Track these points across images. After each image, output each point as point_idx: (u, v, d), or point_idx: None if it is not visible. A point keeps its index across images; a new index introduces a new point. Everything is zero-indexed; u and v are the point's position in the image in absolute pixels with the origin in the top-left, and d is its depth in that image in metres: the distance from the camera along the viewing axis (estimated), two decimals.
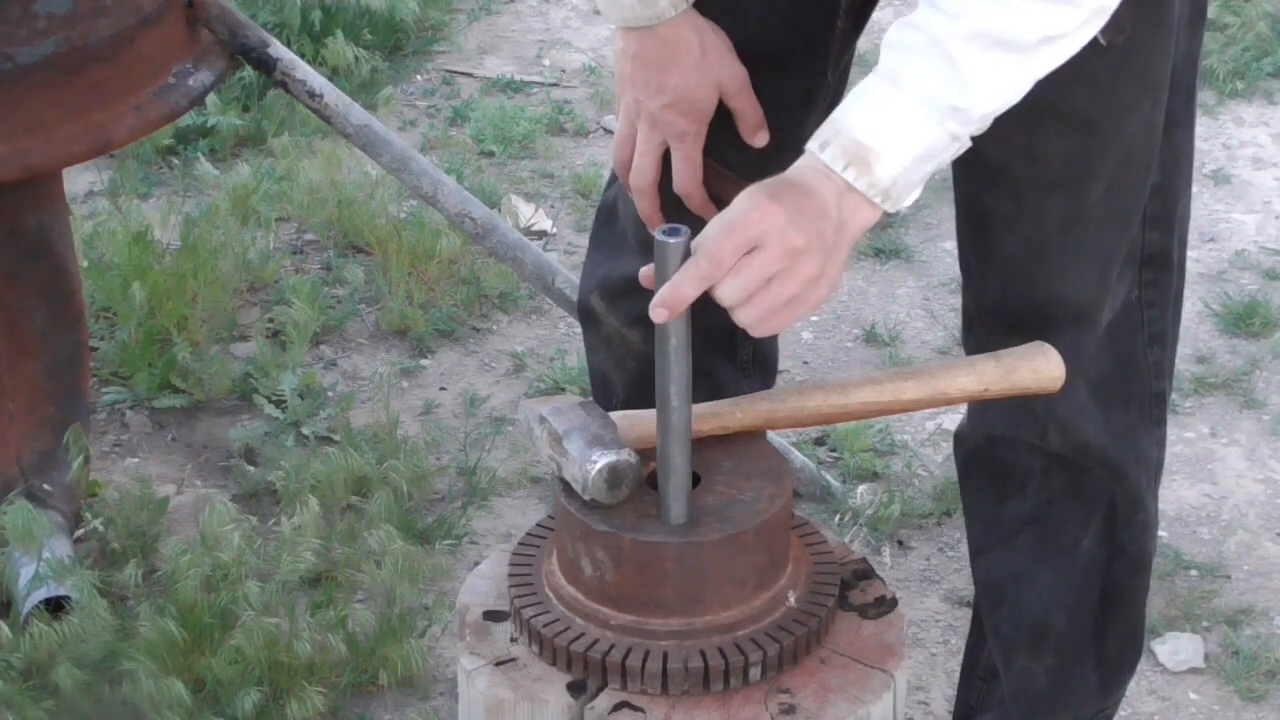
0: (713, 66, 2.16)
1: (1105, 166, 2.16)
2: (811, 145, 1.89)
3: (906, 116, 1.87)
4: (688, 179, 2.21)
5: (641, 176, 2.22)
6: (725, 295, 1.85)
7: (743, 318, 1.87)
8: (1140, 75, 2.13)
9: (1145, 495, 2.41)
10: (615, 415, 1.99)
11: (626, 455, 1.91)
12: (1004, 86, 1.89)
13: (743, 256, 1.84)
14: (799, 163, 1.91)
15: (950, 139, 1.89)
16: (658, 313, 1.84)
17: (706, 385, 2.29)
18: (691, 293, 1.84)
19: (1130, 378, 2.34)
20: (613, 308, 2.40)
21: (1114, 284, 2.25)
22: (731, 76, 2.17)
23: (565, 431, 1.93)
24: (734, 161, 2.26)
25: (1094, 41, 2.03)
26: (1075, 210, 2.18)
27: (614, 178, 2.42)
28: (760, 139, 2.20)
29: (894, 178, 1.87)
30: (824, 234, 1.86)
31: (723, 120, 2.22)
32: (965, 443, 2.44)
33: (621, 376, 2.45)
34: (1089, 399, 2.30)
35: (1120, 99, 2.13)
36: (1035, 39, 1.87)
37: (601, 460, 1.90)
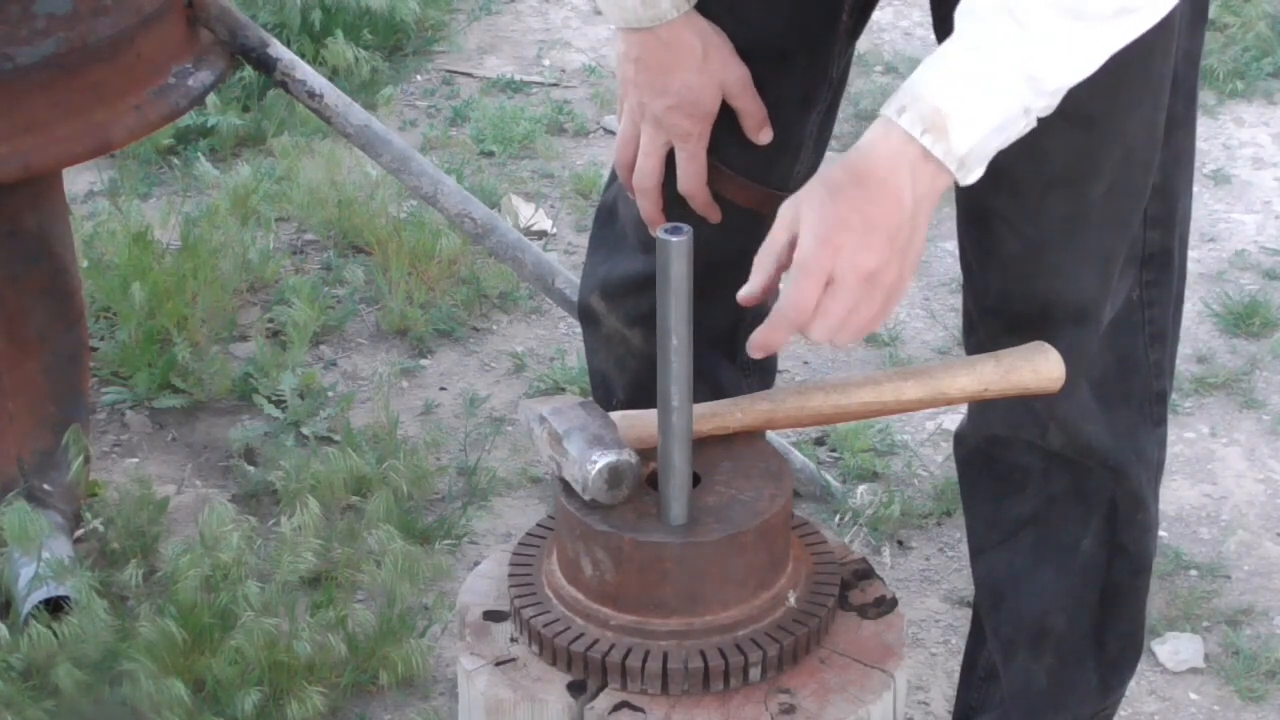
0: (715, 67, 2.16)
1: (1107, 165, 2.16)
2: (887, 111, 1.88)
3: (984, 83, 1.86)
4: (693, 180, 2.21)
5: (645, 178, 2.22)
6: (817, 337, 1.89)
7: (836, 344, 1.91)
8: (1142, 74, 2.13)
9: (1146, 495, 2.41)
10: (615, 415, 1.99)
11: (626, 455, 1.91)
12: (1079, 58, 1.89)
13: (823, 295, 1.86)
14: (871, 135, 1.88)
15: (1023, 111, 1.89)
16: (755, 353, 1.92)
17: (707, 386, 2.30)
18: (783, 340, 1.90)
19: (1131, 377, 2.34)
20: (613, 308, 2.40)
21: (1115, 283, 2.25)
22: (734, 77, 2.17)
23: (565, 431, 1.93)
24: (736, 160, 2.26)
25: None
26: (1076, 209, 2.18)
27: (613, 178, 2.42)
28: (764, 136, 2.21)
29: (971, 146, 1.88)
30: (896, 235, 1.88)
31: (724, 119, 2.22)
32: (965, 443, 2.43)
33: (622, 377, 2.45)
34: (1090, 399, 2.30)
35: (1122, 98, 2.13)
36: (1111, 9, 1.86)
37: (601, 460, 1.90)
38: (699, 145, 2.20)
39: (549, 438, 1.95)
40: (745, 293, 1.92)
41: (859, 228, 1.86)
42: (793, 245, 1.89)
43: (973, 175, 1.90)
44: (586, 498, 1.91)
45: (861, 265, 1.86)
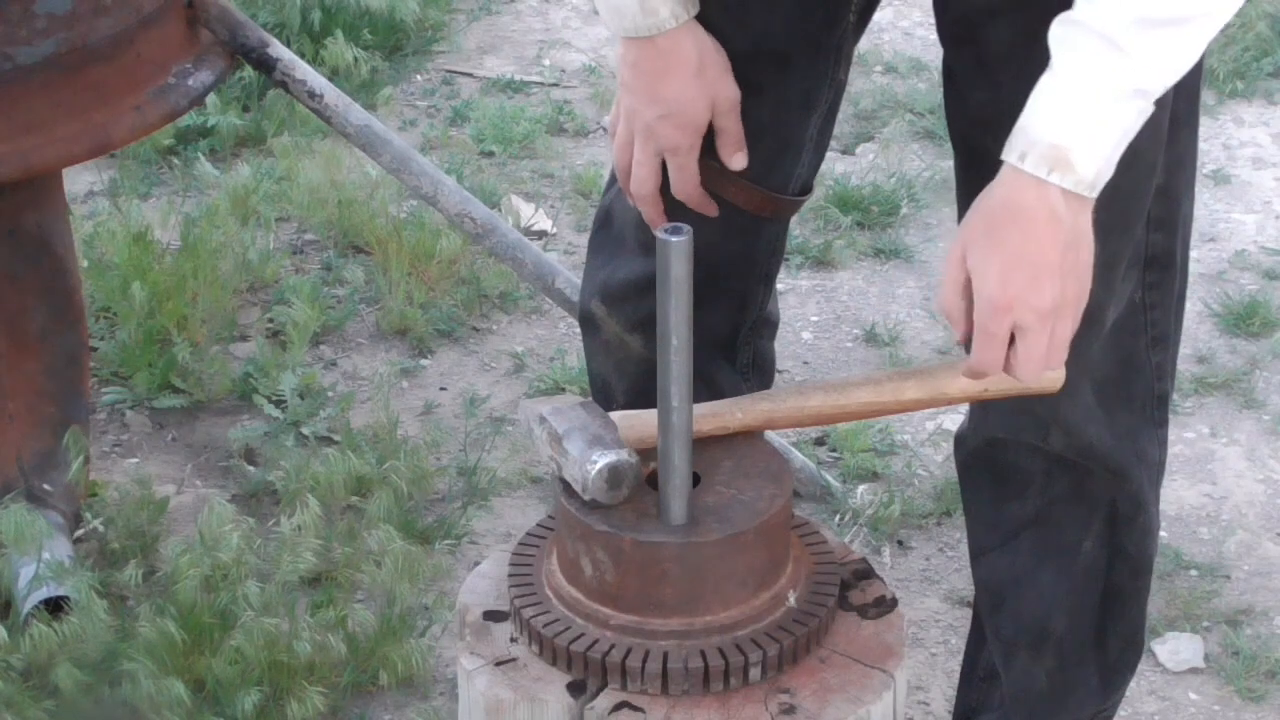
0: (708, 81, 2.16)
1: None
2: (1010, 158, 1.92)
3: (1094, 110, 1.90)
4: (683, 188, 2.22)
5: (641, 185, 2.22)
6: (1028, 380, 1.97)
7: (1049, 368, 1.98)
8: None
9: (1147, 497, 2.41)
10: (615, 415, 1.99)
11: (626, 455, 1.91)
12: (1179, 59, 1.92)
13: (1016, 343, 1.93)
14: (1003, 181, 1.93)
15: (1138, 113, 1.92)
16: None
17: (706, 388, 2.29)
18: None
19: (1133, 379, 2.34)
20: (613, 312, 2.40)
21: (1118, 285, 2.25)
22: (725, 95, 2.18)
23: (565, 432, 1.93)
24: None
25: None
26: None
27: (611, 181, 2.42)
28: (737, 161, 2.21)
29: (1098, 169, 1.91)
30: (1062, 265, 1.92)
31: None
32: (966, 444, 2.43)
33: (622, 381, 2.44)
34: (1092, 400, 2.30)
35: None
36: (1197, 7, 1.89)
37: (601, 460, 1.90)
38: (688, 156, 2.20)
39: (549, 438, 1.95)
40: (962, 338, 1.98)
41: (1027, 271, 1.91)
42: (968, 281, 1.94)
43: (1104, 182, 1.94)
44: (586, 498, 1.91)
45: (1038, 306, 1.92)
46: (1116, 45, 1.87)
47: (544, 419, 1.96)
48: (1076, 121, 1.90)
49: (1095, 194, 1.93)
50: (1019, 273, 1.92)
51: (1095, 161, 1.91)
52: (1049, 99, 1.91)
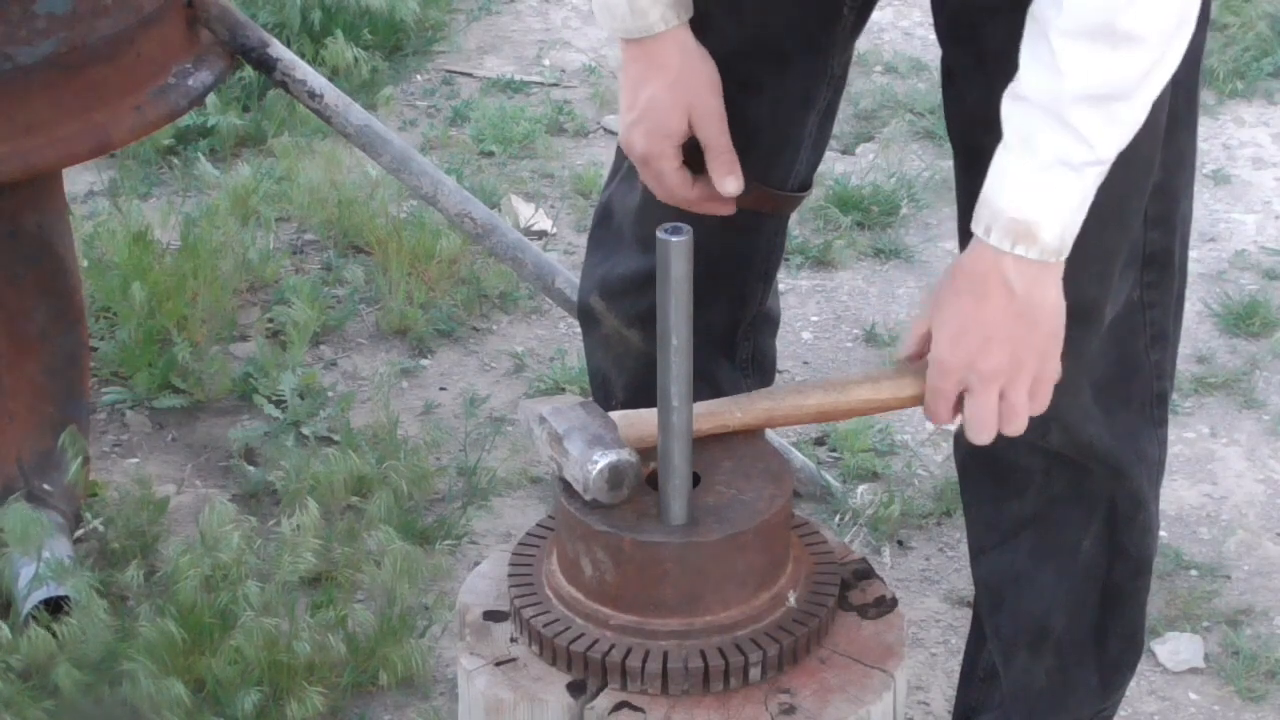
0: (687, 90, 2.13)
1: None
2: (976, 229, 1.97)
3: (1050, 183, 1.94)
4: (664, 196, 2.19)
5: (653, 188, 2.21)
6: (979, 441, 2.05)
7: (1005, 434, 2.05)
8: None
9: (1146, 496, 2.41)
10: (615, 415, 1.99)
11: (627, 455, 1.91)
12: (1128, 125, 1.96)
13: (966, 402, 2.01)
14: (969, 253, 1.98)
15: (1096, 177, 1.96)
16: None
17: (707, 386, 2.29)
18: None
19: (1132, 378, 2.34)
20: (612, 307, 2.40)
21: (1116, 283, 2.25)
22: (704, 105, 2.14)
23: (565, 432, 1.93)
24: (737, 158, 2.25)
25: None
26: None
27: (610, 177, 2.42)
28: (728, 186, 2.16)
29: (1060, 235, 1.96)
30: (1013, 334, 1.98)
31: (728, 110, 2.20)
32: (965, 443, 2.43)
33: (621, 377, 2.45)
34: (1091, 399, 2.30)
35: None
36: (1137, 78, 1.92)
37: (602, 460, 1.90)
38: (663, 164, 2.16)
39: (549, 438, 1.95)
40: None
41: (976, 336, 1.98)
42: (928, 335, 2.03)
43: (1070, 244, 1.98)
44: (587, 498, 1.91)
45: (983, 370, 1.99)
46: (1064, 122, 1.92)
47: (544, 419, 1.96)
48: (1035, 196, 1.94)
49: (1063, 258, 1.97)
50: (968, 338, 1.98)
51: (1057, 229, 1.95)
52: (1007, 174, 1.95)
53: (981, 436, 2.03)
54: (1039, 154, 1.93)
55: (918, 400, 2.06)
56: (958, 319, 1.99)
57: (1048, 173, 1.93)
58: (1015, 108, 1.95)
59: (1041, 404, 2.04)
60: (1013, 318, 1.98)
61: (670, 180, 2.17)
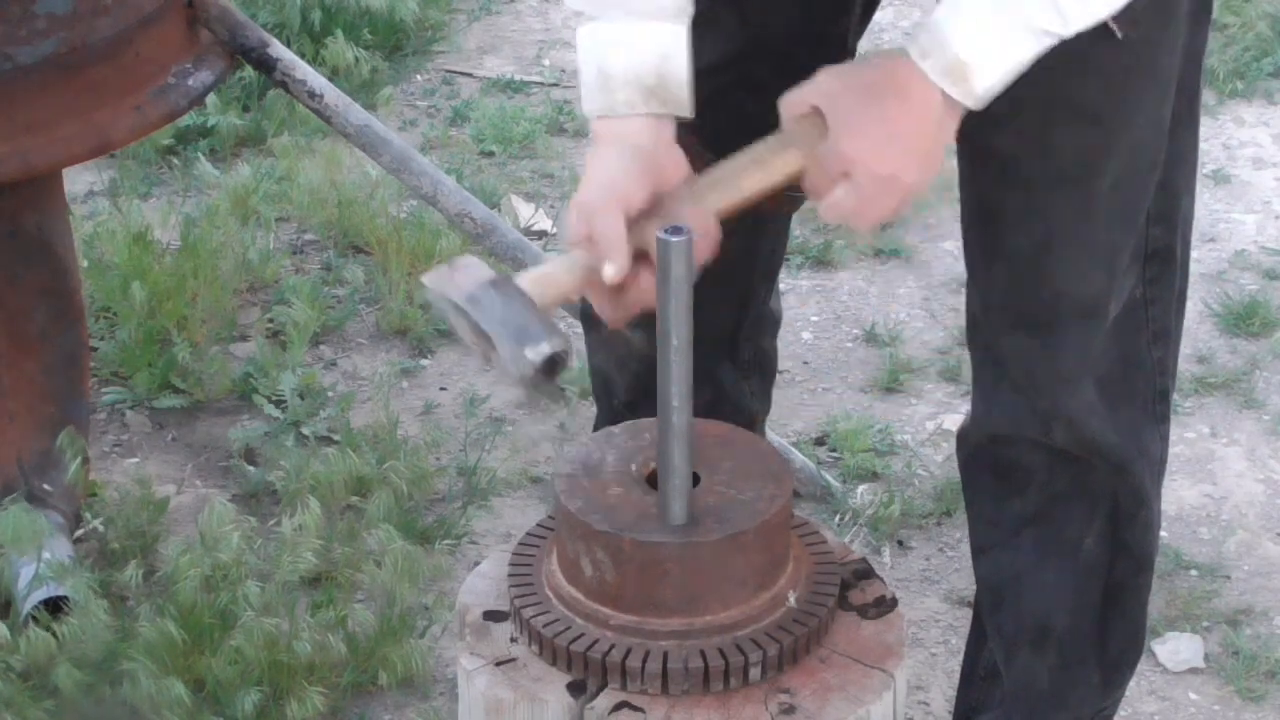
0: (654, 166, 2.00)
1: (1114, 161, 2.16)
2: (913, 53, 1.94)
3: (1006, 37, 1.92)
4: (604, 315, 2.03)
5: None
6: (827, 219, 2.00)
7: (848, 227, 2.03)
8: (1150, 69, 2.13)
9: (1149, 493, 2.41)
10: (526, 281, 1.94)
11: (558, 344, 1.88)
12: (1102, 7, 1.94)
13: (840, 186, 1.96)
14: (896, 61, 1.95)
15: (1040, 49, 1.94)
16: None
17: (709, 386, 2.29)
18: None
19: (1135, 375, 2.34)
20: None
21: (1120, 279, 2.25)
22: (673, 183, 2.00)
23: (491, 330, 1.89)
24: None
25: (1107, 33, 2.04)
26: (1084, 205, 2.18)
27: None
28: (606, 272, 1.95)
29: (989, 88, 1.94)
30: (916, 149, 1.95)
31: (724, 106, 2.20)
32: (968, 441, 2.43)
33: (623, 378, 2.44)
34: (1095, 396, 2.30)
35: (1130, 92, 2.13)
36: None
37: (536, 357, 1.87)
38: (623, 249, 1.95)
39: (472, 331, 1.91)
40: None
41: (883, 135, 1.94)
42: (809, 111, 1.98)
43: (985, 104, 1.97)
44: (527, 392, 1.89)
45: (877, 170, 1.94)
46: None
47: (462, 310, 1.91)
48: (985, 42, 1.92)
49: (976, 106, 1.96)
50: (875, 133, 1.94)
51: (988, 82, 1.94)
52: (964, 13, 1.92)
53: (836, 219, 2.00)
54: (1007, 8, 1.91)
55: (800, 174, 2.04)
56: (873, 121, 1.95)
57: (1007, 29, 1.92)
58: None
59: (875, 223, 2.01)
60: (919, 138, 1.95)
61: (618, 263, 1.96)
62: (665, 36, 2.03)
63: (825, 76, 1.98)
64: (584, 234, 1.96)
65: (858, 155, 1.94)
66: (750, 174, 2.01)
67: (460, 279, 1.93)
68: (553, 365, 1.88)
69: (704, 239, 1.95)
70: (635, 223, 1.95)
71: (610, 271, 1.95)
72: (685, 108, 2.04)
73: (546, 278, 1.97)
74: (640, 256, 1.94)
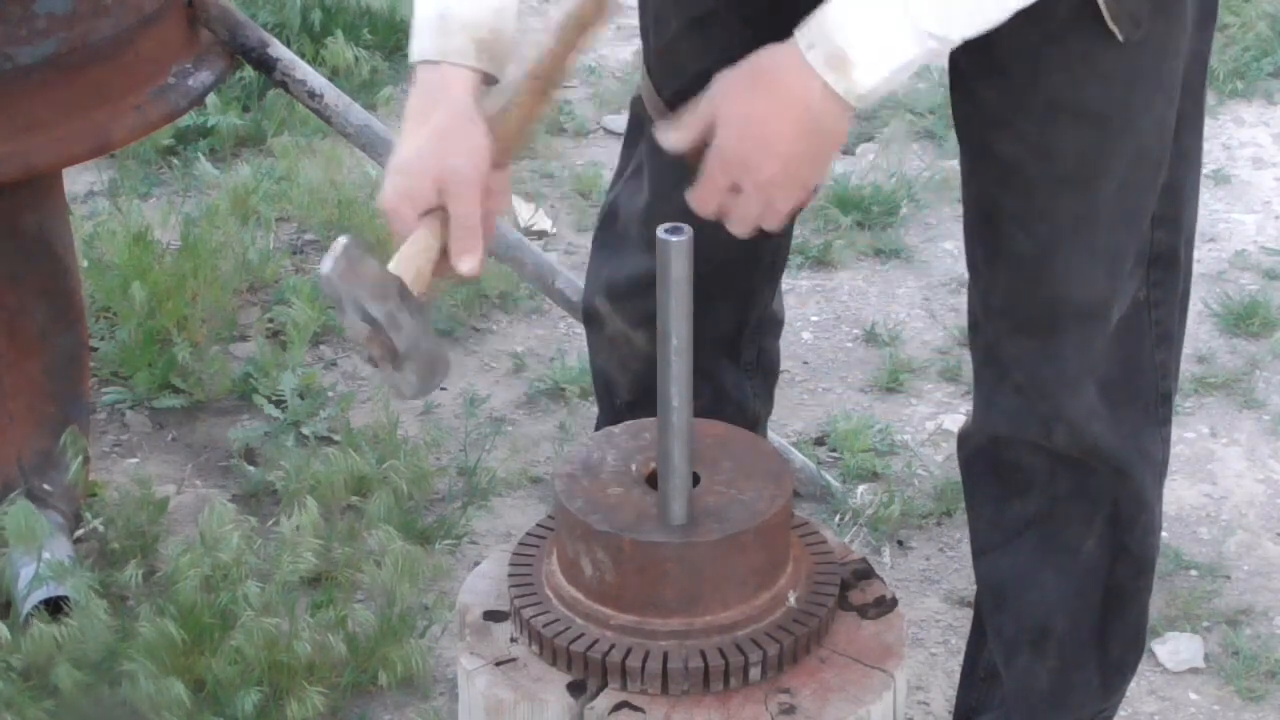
0: (443, 153, 1.97)
1: (1117, 163, 2.16)
2: (799, 40, 1.94)
3: (889, 32, 1.92)
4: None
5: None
6: (734, 231, 2.00)
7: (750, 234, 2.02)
8: (1154, 72, 2.13)
9: (1150, 496, 2.41)
10: (407, 276, 1.93)
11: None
12: (984, 16, 1.94)
13: (731, 197, 1.97)
14: (783, 55, 1.95)
15: (927, 54, 1.94)
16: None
17: (710, 386, 2.29)
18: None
19: (1137, 378, 2.34)
20: (618, 309, 2.40)
21: (1124, 282, 2.25)
22: (456, 175, 1.97)
23: (405, 354, 1.92)
24: None
25: (1110, 37, 2.03)
26: (1087, 208, 2.18)
27: (615, 178, 2.42)
28: (464, 264, 1.97)
29: (871, 86, 1.93)
30: (794, 147, 1.95)
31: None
32: (969, 443, 2.43)
33: (625, 378, 2.44)
34: (1097, 399, 2.30)
35: (1134, 95, 2.13)
36: None
37: (437, 387, 1.94)
38: (398, 227, 1.97)
39: (369, 334, 1.92)
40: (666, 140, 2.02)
41: (760, 140, 1.95)
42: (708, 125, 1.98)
43: (871, 104, 1.98)
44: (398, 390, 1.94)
45: (759, 176, 1.96)
46: None
47: (373, 320, 1.91)
48: (872, 40, 1.92)
49: (860, 107, 1.95)
50: (753, 139, 1.95)
51: (871, 79, 1.93)
52: (851, 3, 1.92)
53: (742, 231, 2.01)
54: (897, 6, 1.91)
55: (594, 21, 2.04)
56: (748, 118, 1.96)
57: (891, 24, 1.91)
58: None
59: (775, 222, 2.01)
60: (800, 134, 1.95)
61: (414, 264, 1.97)
62: None
63: (722, 73, 1.98)
64: (430, 203, 1.96)
65: (743, 165, 1.95)
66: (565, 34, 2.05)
67: (363, 274, 1.91)
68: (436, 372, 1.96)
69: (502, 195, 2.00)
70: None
71: (469, 267, 1.97)
72: (504, 68, 2.06)
73: (417, 271, 1.96)
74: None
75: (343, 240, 1.92)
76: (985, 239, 2.27)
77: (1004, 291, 2.27)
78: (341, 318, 1.94)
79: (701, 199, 2.00)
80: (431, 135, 1.98)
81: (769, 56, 1.96)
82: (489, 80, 2.04)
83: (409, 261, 1.96)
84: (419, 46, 2.04)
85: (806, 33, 1.93)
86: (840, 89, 1.93)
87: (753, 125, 1.95)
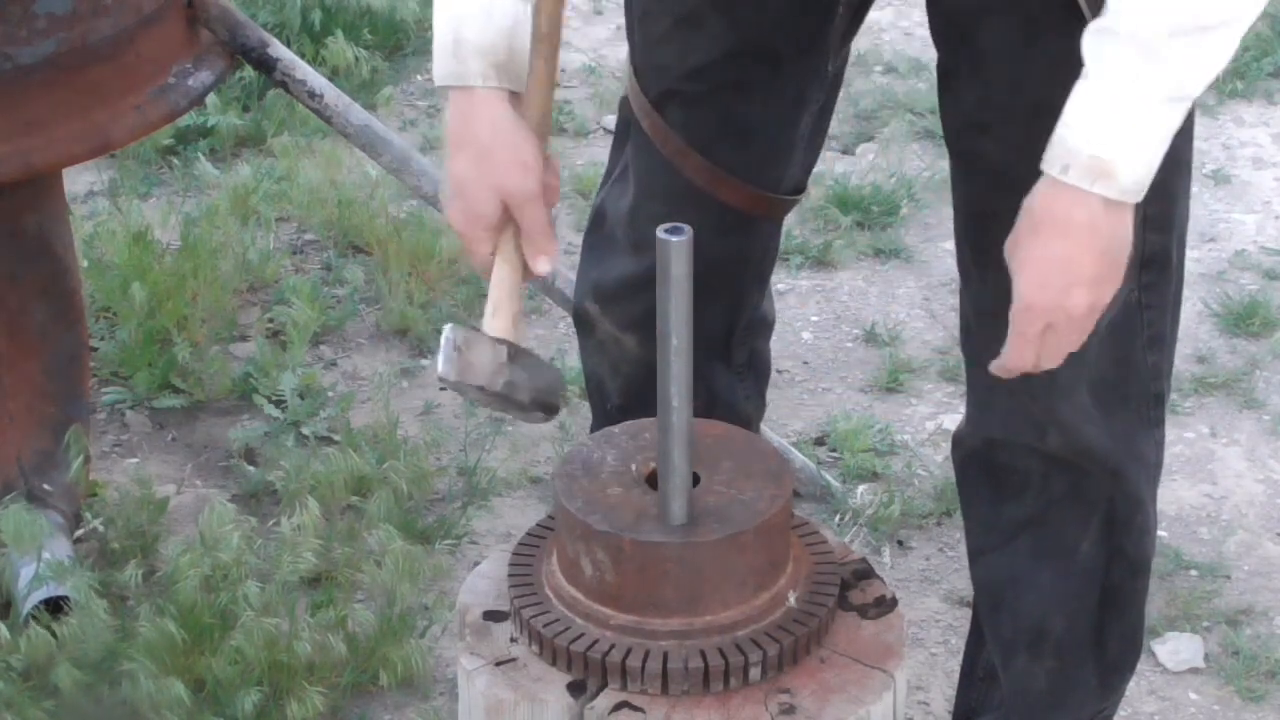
0: (494, 168, 2.00)
1: None
2: (1051, 170, 1.93)
3: (1135, 119, 1.91)
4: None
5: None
6: (1036, 369, 2.04)
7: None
8: None
9: (1144, 497, 2.41)
10: (501, 330, 2.00)
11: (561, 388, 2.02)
12: (1214, 62, 1.95)
13: (1044, 337, 2.00)
14: (1045, 196, 1.94)
15: (1180, 116, 1.94)
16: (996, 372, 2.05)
17: (702, 389, 2.28)
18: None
19: (1129, 380, 2.34)
20: (607, 312, 2.39)
21: None
22: (514, 187, 2.01)
23: (527, 409, 2.02)
24: (728, 160, 2.25)
25: None
26: None
27: (603, 182, 2.41)
28: (539, 266, 2.03)
29: (1140, 175, 1.93)
30: (1098, 273, 1.96)
31: (719, 110, 2.19)
32: (963, 445, 2.43)
33: (616, 381, 2.44)
34: (1089, 401, 2.30)
35: None
36: (1230, 7, 1.96)
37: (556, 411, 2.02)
38: (477, 249, 2.02)
39: (501, 404, 2.01)
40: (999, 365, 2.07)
41: (1063, 278, 1.95)
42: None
43: (1146, 189, 1.96)
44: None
45: (1072, 312, 1.98)
46: (1154, 54, 1.88)
47: (494, 395, 2.00)
48: (1117, 132, 1.91)
49: (1139, 198, 1.95)
50: (1056, 280, 1.96)
51: (1137, 169, 1.92)
52: (1088, 110, 1.91)
53: (1053, 365, 2.02)
54: (1124, 89, 1.89)
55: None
56: (1042, 262, 1.96)
57: (1132, 110, 1.90)
58: (1100, 41, 1.91)
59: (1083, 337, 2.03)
60: (1097, 256, 1.96)
61: (483, 264, 2.06)
62: (515, 6, 2.03)
63: (1017, 237, 2.00)
64: (497, 218, 2.00)
65: (1048, 311, 1.97)
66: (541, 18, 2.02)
67: (475, 361, 1.98)
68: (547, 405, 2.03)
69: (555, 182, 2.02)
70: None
71: (546, 267, 2.01)
72: (524, 83, 2.04)
73: (513, 317, 2.01)
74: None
75: (447, 333, 1.99)
76: (976, 242, 2.27)
77: (994, 294, 2.27)
78: (465, 398, 2.04)
79: (1016, 357, 2.01)
80: (481, 154, 2.01)
81: (1034, 202, 1.96)
82: (514, 96, 2.04)
83: (503, 310, 2.01)
84: (440, 71, 2.05)
85: (1053, 159, 1.93)
86: (1115, 194, 1.92)
87: (1053, 271, 1.95)
